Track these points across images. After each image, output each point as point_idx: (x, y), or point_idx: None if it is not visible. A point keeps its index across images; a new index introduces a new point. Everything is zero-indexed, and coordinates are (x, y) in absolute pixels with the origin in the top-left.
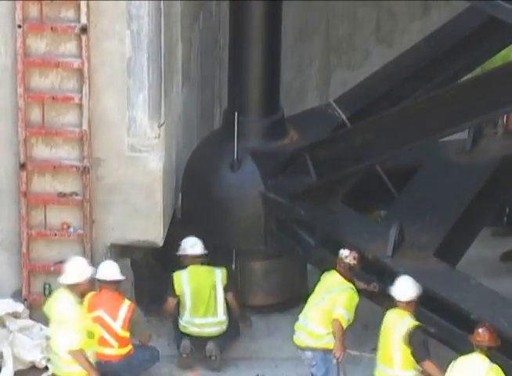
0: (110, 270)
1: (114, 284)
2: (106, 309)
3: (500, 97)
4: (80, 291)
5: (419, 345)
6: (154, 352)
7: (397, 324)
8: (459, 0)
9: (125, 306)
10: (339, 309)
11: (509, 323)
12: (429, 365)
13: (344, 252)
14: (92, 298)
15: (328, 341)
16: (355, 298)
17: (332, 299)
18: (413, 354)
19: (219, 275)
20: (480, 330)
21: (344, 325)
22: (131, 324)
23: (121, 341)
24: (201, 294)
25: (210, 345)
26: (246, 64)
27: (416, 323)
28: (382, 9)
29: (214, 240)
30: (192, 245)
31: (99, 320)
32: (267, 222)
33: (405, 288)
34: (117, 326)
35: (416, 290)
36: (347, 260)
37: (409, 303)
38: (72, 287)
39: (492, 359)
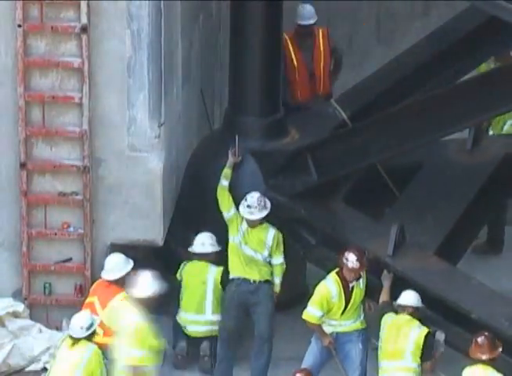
0: (111, 268)
1: (117, 281)
2: (100, 297)
3: (501, 96)
4: (148, 304)
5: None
6: None
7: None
8: (460, 0)
9: (118, 297)
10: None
11: (509, 322)
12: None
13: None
14: (96, 284)
15: None
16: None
17: None
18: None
19: (213, 272)
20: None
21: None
22: None
23: (108, 331)
24: (192, 290)
25: (204, 345)
26: (246, 63)
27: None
28: (382, 9)
29: None
30: (202, 243)
31: (90, 306)
32: (267, 222)
33: (411, 295)
34: (104, 314)
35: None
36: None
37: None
38: (141, 301)
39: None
